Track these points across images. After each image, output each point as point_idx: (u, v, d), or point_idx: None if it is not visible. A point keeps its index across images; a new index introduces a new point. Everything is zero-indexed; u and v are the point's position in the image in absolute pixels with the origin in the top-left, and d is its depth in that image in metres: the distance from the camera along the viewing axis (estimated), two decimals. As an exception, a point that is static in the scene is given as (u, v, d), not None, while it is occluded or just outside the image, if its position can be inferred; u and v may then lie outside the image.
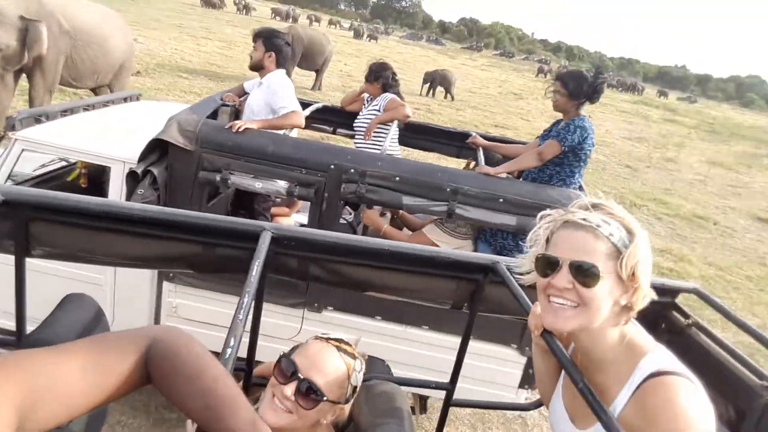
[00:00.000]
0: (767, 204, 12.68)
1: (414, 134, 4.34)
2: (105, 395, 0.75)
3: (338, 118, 4.38)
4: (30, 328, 1.38)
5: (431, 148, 4.47)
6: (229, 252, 1.49)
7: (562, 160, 3.05)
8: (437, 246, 3.03)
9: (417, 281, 1.62)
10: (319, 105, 4.41)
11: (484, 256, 1.60)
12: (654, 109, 33.29)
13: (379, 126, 3.83)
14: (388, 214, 3.87)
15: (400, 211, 3.73)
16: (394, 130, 3.89)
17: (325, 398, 1.23)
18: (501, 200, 2.65)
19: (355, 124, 4.07)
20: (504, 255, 3.03)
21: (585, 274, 1.07)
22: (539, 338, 1.24)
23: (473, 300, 1.63)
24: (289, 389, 1.22)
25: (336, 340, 1.33)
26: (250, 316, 1.19)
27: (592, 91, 3.05)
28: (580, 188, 3.16)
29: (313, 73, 15.49)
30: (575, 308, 1.10)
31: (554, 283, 1.11)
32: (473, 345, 2.69)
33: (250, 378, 1.53)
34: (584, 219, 1.10)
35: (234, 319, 1.01)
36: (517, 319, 2.38)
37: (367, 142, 3.81)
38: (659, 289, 1.76)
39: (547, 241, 1.16)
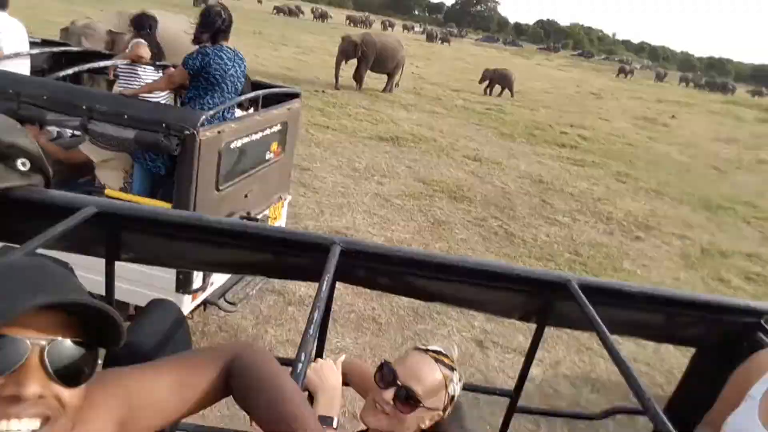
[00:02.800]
0: None
1: None
2: (191, 408, 0.86)
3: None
4: None
5: None
6: (299, 261, 1.54)
7: (196, 84, 3.50)
8: (92, 159, 3.45)
9: (487, 294, 1.60)
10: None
11: (555, 274, 1.56)
12: (747, 110, 30.95)
13: (130, 68, 4.19)
14: None
15: None
16: (151, 72, 4.26)
17: (422, 405, 1.31)
18: (126, 117, 2.99)
19: None
20: (143, 162, 3.39)
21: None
22: None
23: (542, 315, 1.59)
24: (389, 394, 1.31)
25: (435, 351, 1.40)
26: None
27: (216, 27, 3.47)
28: (227, 113, 3.62)
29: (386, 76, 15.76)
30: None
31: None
32: None
33: None
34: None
35: (305, 334, 1.03)
36: None
37: (124, 83, 4.19)
38: (743, 311, 1.63)
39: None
